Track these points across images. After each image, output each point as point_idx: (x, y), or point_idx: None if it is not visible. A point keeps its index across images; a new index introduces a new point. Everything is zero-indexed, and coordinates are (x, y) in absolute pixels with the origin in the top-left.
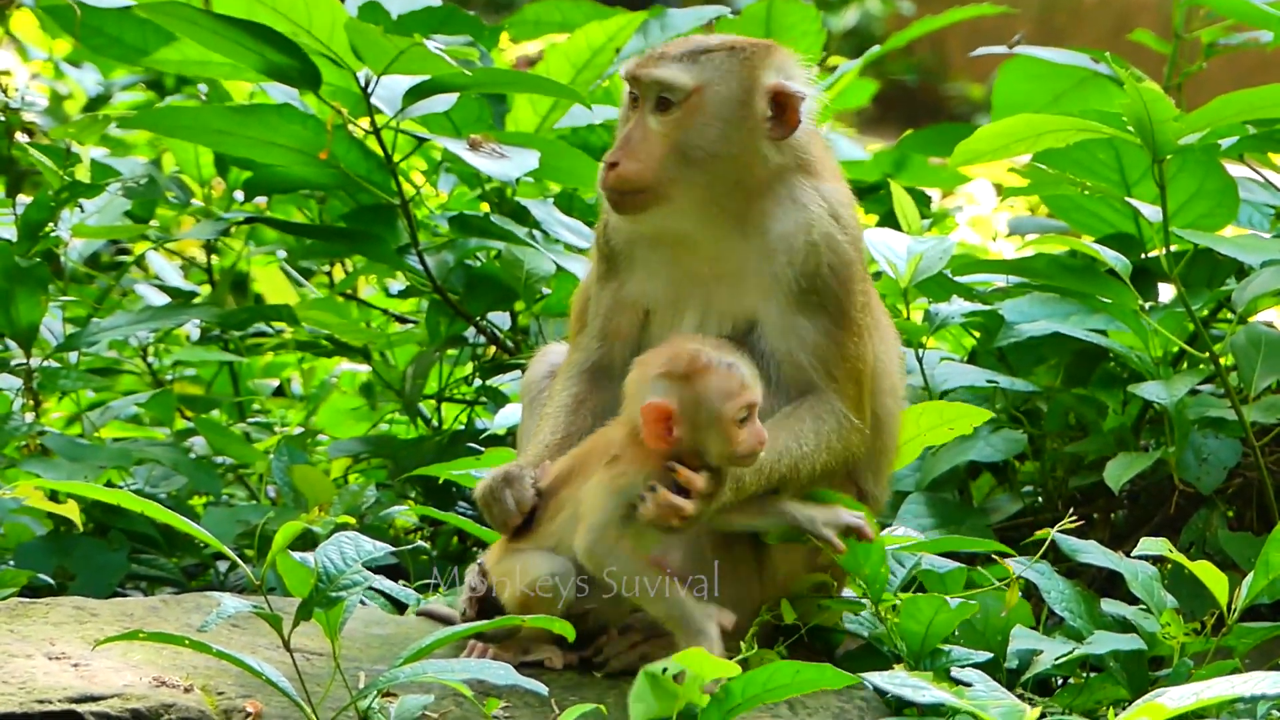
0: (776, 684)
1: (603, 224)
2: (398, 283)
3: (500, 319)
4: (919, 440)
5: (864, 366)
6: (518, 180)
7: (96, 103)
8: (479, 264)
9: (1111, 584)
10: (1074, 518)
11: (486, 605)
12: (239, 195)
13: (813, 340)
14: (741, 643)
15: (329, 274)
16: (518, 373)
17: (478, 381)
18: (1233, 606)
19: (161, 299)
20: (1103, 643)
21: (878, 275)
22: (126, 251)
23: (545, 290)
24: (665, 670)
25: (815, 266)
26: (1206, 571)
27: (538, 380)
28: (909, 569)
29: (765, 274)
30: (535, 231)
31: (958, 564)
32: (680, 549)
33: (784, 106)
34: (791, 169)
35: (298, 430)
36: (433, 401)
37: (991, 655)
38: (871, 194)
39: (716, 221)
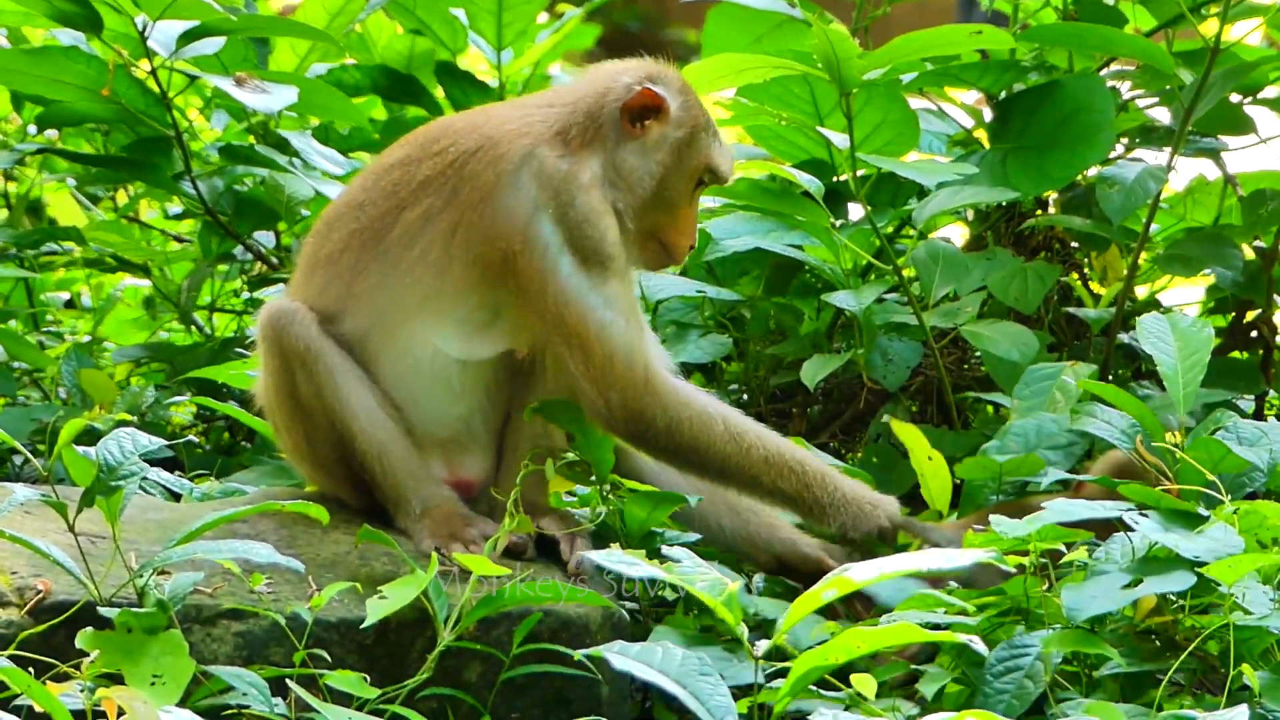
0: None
1: (603, 232)
2: (175, 206)
3: (265, 238)
4: None
5: None
6: (279, 113)
7: None
8: (246, 189)
9: None
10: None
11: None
12: (33, 129)
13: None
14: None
15: (114, 199)
16: (281, 286)
17: (246, 294)
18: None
19: None
20: None
21: None
22: None
23: (305, 212)
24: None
25: None
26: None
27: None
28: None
29: None
30: (295, 160)
31: None
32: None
33: None
34: None
35: (85, 338)
36: (206, 312)
37: (700, 536)
38: None
39: None
